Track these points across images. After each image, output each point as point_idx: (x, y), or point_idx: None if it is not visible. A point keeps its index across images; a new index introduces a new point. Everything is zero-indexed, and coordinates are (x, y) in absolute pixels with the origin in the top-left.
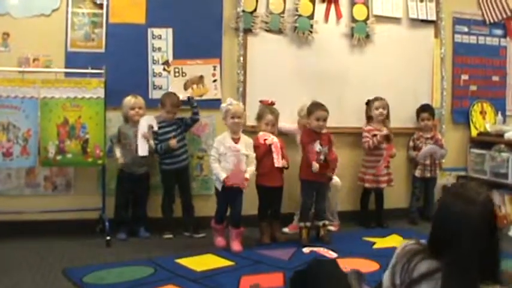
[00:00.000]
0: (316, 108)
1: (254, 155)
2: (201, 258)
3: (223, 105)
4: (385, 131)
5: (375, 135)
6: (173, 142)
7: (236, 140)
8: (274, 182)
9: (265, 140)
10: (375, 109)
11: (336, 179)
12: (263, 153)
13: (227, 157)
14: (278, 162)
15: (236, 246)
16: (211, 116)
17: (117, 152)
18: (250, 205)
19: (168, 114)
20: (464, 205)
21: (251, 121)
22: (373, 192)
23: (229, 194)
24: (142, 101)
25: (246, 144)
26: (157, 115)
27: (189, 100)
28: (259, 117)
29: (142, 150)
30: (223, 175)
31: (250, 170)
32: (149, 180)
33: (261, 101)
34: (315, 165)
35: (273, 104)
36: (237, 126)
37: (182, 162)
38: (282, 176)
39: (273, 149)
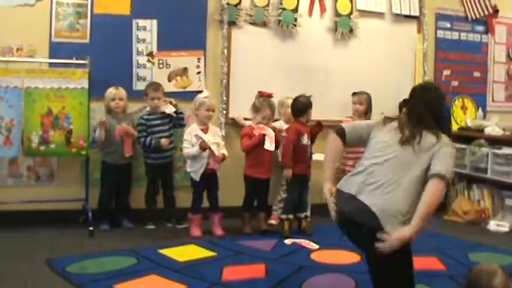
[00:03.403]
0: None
1: (223, 142)
2: (184, 249)
3: (199, 95)
4: None
5: None
6: (165, 142)
7: (205, 130)
8: (263, 173)
9: (260, 131)
10: (352, 103)
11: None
12: (253, 144)
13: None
14: (270, 146)
15: (219, 230)
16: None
17: (97, 132)
18: (234, 196)
19: (152, 101)
20: None
21: (234, 113)
22: None
23: (206, 180)
24: (124, 92)
25: (214, 133)
26: (141, 107)
27: (176, 107)
28: (257, 109)
29: (128, 150)
30: (196, 148)
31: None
32: (132, 171)
33: (259, 92)
34: (288, 172)
35: (271, 96)
36: (209, 119)
37: (168, 157)
38: (271, 167)
39: (267, 138)
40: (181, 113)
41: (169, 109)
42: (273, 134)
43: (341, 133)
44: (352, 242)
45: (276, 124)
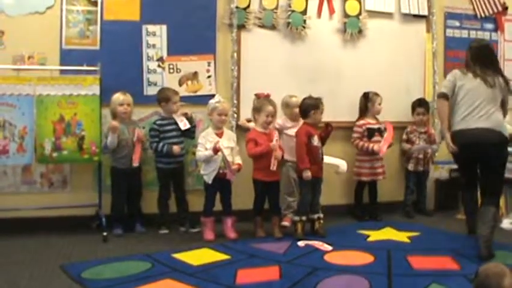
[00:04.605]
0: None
1: (238, 147)
2: (197, 253)
3: (211, 101)
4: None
5: (369, 129)
6: (177, 150)
7: (219, 135)
8: (271, 176)
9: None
10: (378, 104)
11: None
12: (261, 153)
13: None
14: (273, 166)
15: (232, 234)
16: (205, 112)
17: (109, 138)
18: (246, 199)
19: (175, 105)
20: None
21: (245, 116)
22: (367, 186)
23: (219, 183)
24: (131, 98)
25: (229, 137)
26: (153, 112)
27: (190, 120)
28: (258, 109)
29: (135, 159)
30: (209, 152)
31: (238, 160)
32: (142, 175)
33: (256, 94)
34: (307, 173)
35: (268, 96)
36: (222, 123)
37: (179, 162)
38: (279, 170)
39: (273, 153)
40: (194, 126)
41: (184, 124)
42: (277, 147)
43: (444, 96)
44: (474, 162)
45: (279, 121)
